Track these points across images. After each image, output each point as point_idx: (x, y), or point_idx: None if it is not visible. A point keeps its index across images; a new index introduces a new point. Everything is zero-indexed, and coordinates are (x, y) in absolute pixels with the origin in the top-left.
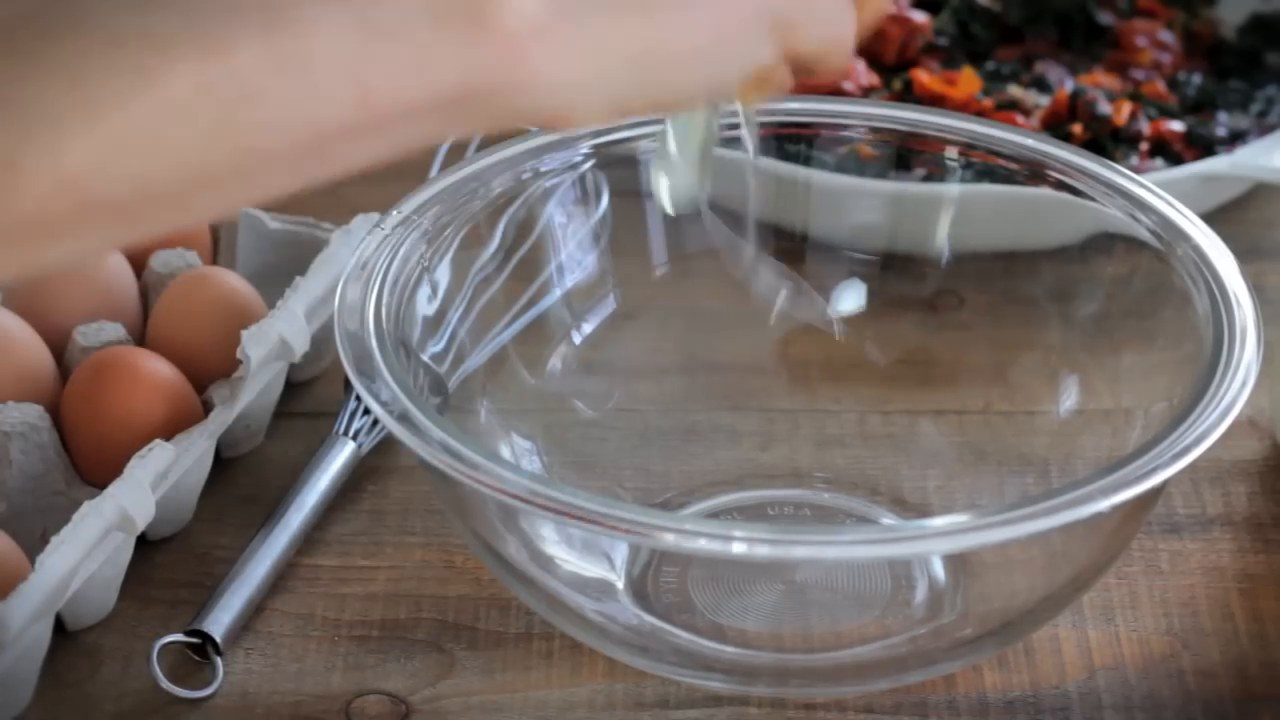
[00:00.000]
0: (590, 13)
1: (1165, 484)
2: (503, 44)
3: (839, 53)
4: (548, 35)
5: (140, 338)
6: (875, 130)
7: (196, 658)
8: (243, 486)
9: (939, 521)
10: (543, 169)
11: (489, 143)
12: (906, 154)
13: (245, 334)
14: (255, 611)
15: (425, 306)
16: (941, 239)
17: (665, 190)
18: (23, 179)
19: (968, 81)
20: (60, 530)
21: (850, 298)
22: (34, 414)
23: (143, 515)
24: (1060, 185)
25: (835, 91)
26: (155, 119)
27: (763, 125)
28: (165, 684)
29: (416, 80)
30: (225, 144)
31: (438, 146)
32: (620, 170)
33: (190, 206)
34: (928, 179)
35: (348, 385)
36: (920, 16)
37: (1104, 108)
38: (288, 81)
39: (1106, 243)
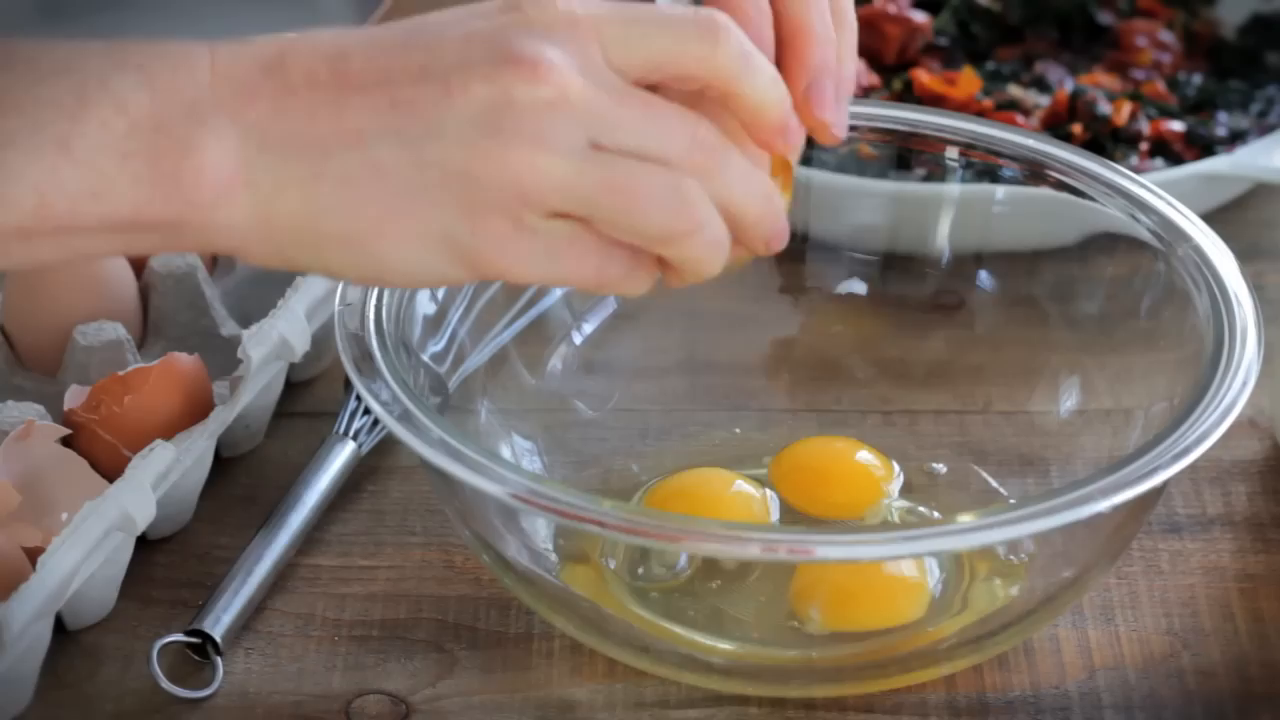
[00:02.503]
0: (278, 172)
1: (1165, 484)
2: (180, 192)
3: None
4: (225, 191)
5: (140, 338)
6: (875, 130)
7: (196, 658)
8: (243, 486)
9: (939, 521)
10: None
11: None
12: (906, 154)
13: (246, 334)
14: (255, 611)
15: (425, 306)
16: (941, 239)
17: None
18: None
19: (968, 81)
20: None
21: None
22: (35, 414)
23: (143, 515)
24: (1060, 185)
25: None
26: None
27: None
28: (165, 684)
29: (92, 205)
30: None
31: None
32: None
33: None
34: (928, 179)
35: (348, 385)
36: (920, 16)
37: (1104, 108)
38: None
39: (1106, 243)
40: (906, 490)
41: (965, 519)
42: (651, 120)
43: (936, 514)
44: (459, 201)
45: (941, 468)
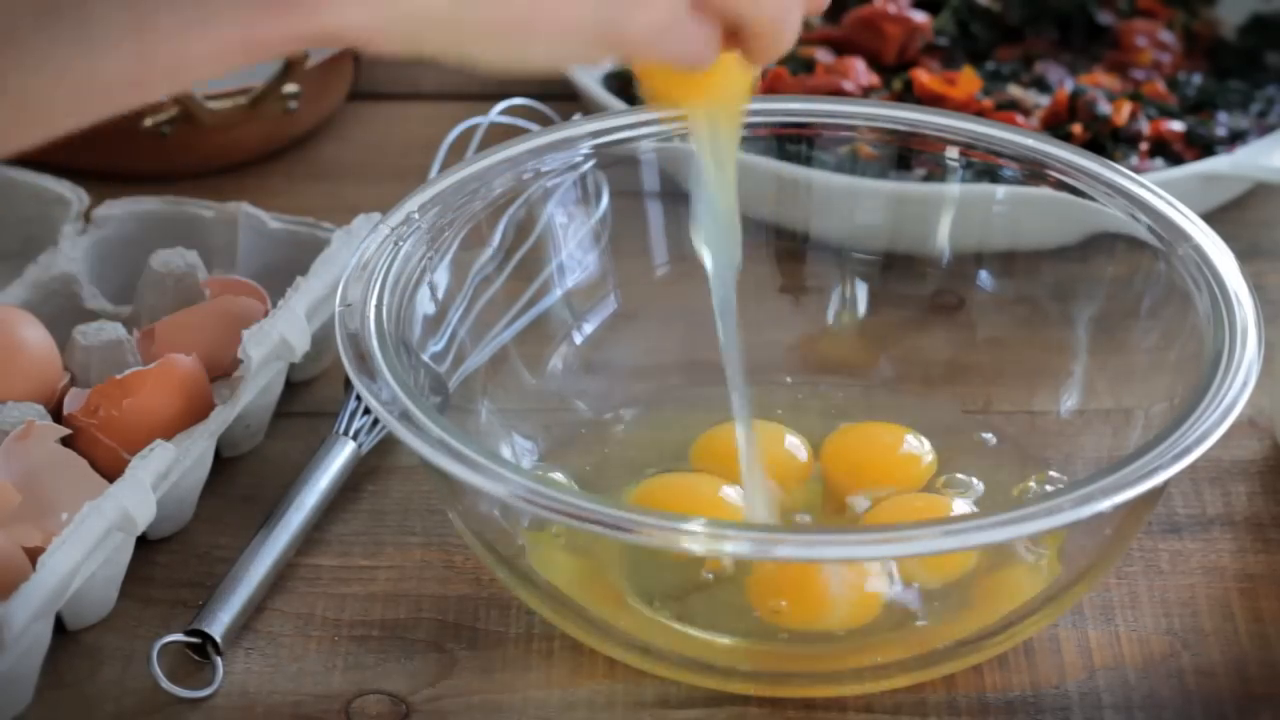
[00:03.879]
0: None
1: (1165, 484)
2: (293, 11)
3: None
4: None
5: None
6: (875, 130)
7: (196, 658)
8: (243, 486)
9: (939, 521)
10: (543, 169)
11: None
12: (906, 154)
13: (246, 334)
14: (255, 611)
15: (426, 306)
16: (941, 239)
17: (709, 259)
18: None
19: (968, 81)
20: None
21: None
22: (35, 414)
23: (143, 515)
24: (1060, 185)
25: (835, 91)
26: None
27: (763, 126)
28: (165, 684)
29: (199, 37)
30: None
31: (437, 146)
32: (620, 170)
33: None
34: (928, 179)
35: (348, 385)
36: (920, 16)
37: (1104, 108)
38: (67, 48)
39: (1106, 243)
40: None
41: (965, 519)
42: None
43: (980, 484)
44: None
45: (941, 468)
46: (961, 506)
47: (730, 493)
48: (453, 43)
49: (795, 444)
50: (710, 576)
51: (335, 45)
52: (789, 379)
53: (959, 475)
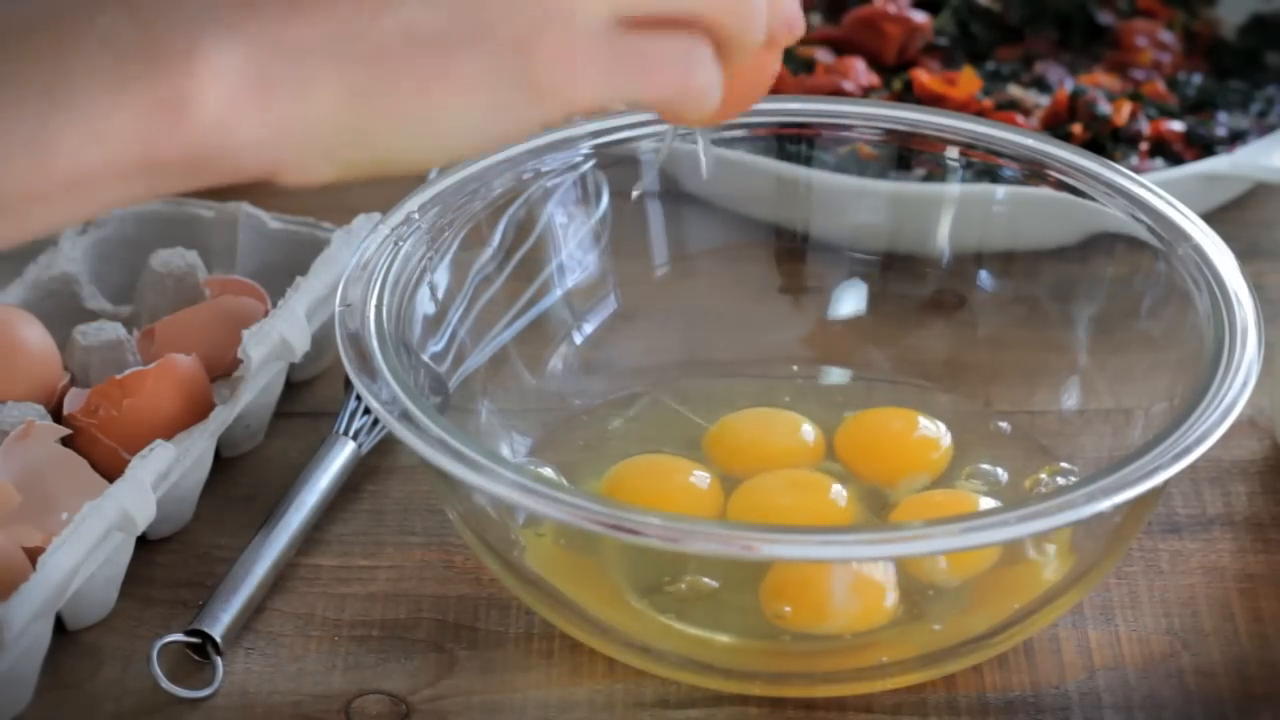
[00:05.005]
0: (298, 71)
1: (1165, 484)
2: (188, 117)
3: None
4: (239, 109)
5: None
6: (875, 130)
7: (196, 658)
8: (243, 486)
9: (939, 521)
10: (543, 169)
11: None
12: (906, 154)
13: (246, 334)
14: (255, 611)
15: (426, 306)
16: (941, 239)
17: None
18: None
19: (968, 81)
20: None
21: (850, 298)
22: (35, 414)
23: (143, 515)
24: (1060, 185)
25: (835, 91)
26: None
27: (763, 126)
28: (165, 684)
29: (95, 149)
30: None
31: None
32: (620, 170)
33: None
34: (928, 179)
35: (348, 385)
36: (920, 16)
37: (1104, 108)
38: None
39: (1106, 243)
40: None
41: (964, 518)
42: None
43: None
44: (503, 35)
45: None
46: (988, 503)
47: (701, 476)
48: (360, 147)
49: (807, 430)
50: (714, 584)
51: (239, 175)
52: (789, 378)
53: (983, 466)
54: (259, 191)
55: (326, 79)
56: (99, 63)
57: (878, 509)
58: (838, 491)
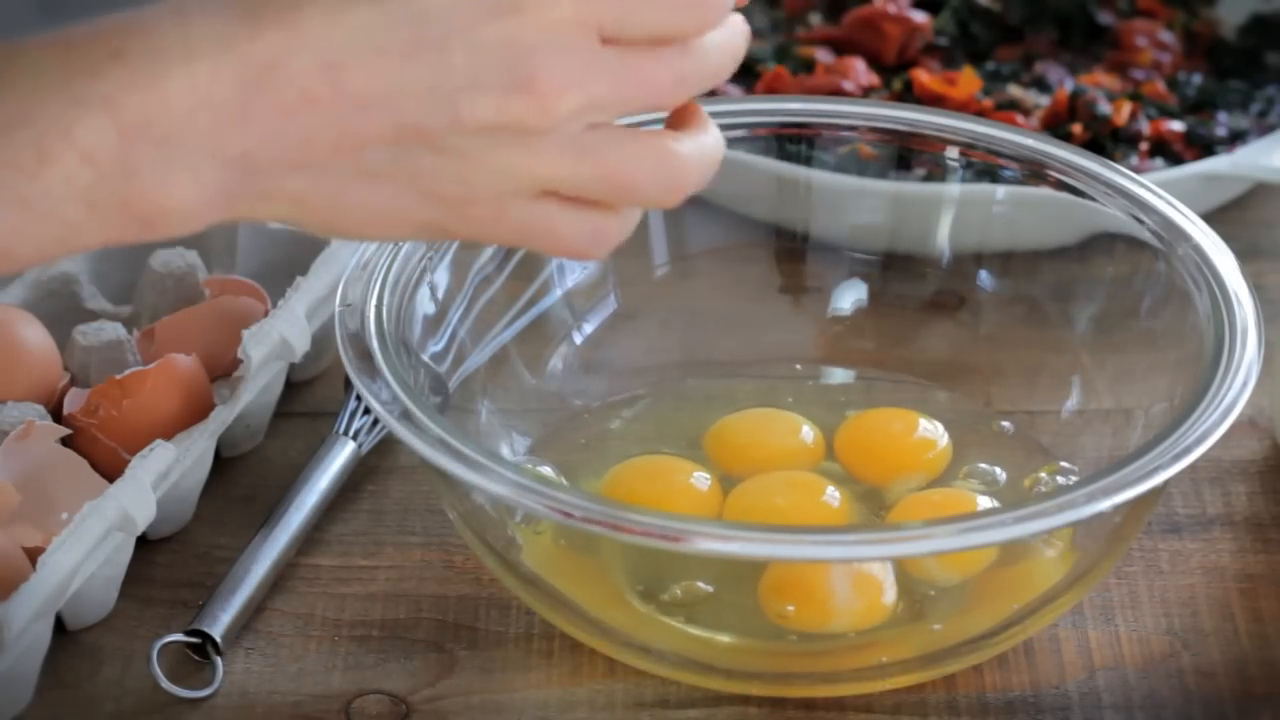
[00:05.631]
0: (262, 188)
1: (1165, 484)
2: (153, 228)
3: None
4: (201, 214)
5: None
6: (875, 130)
7: (196, 658)
8: (243, 486)
9: (939, 521)
10: None
11: None
12: (906, 154)
13: (246, 333)
14: (255, 611)
15: (426, 306)
16: (941, 239)
17: None
18: None
19: (968, 81)
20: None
21: (850, 298)
22: (35, 414)
23: (143, 515)
24: (1060, 185)
25: (835, 91)
26: None
27: (763, 126)
28: (165, 684)
29: (59, 248)
30: None
31: None
32: None
33: None
34: (928, 179)
35: (348, 385)
36: (920, 16)
37: (1104, 108)
38: None
39: (1106, 243)
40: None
41: (964, 518)
42: (639, 82)
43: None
44: (448, 199)
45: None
46: (985, 502)
47: (701, 477)
48: (285, 222)
49: (807, 431)
50: (709, 589)
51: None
52: (790, 378)
53: (981, 465)
54: None
55: (285, 196)
56: (78, 179)
57: (876, 509)
58: (833, 492)
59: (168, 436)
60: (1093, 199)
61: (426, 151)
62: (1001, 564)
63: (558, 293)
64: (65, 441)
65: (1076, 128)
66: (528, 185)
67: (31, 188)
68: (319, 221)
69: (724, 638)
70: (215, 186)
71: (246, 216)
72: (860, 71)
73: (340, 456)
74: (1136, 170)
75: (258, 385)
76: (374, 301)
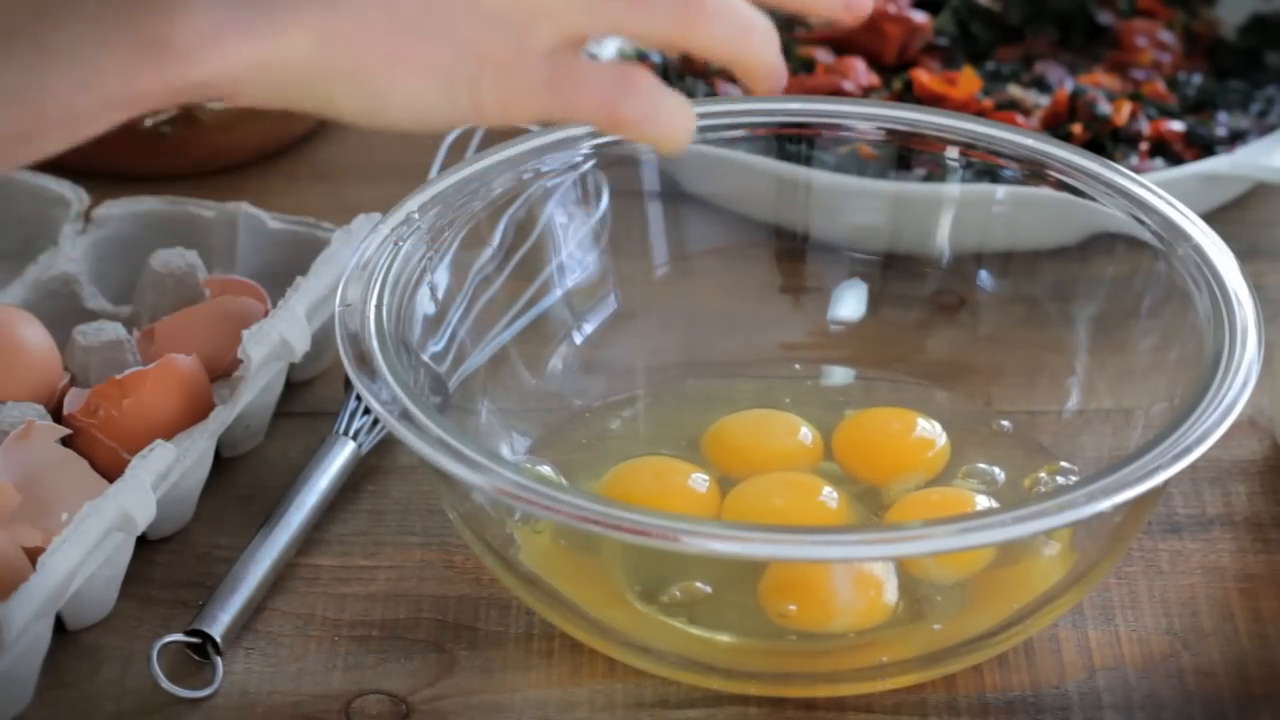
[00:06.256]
0: (275, 15)
1: (1165, 484)
2: (172, 55)
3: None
4: (218, 41)
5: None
6: (875, 130)
7: (196, 658)
8: (243, 486)
9: (939, 521)
10: (543, 169)
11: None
12: (906, 154)
13: (246, 334)
14: (255, 611)
15: (426, 306)
16: (941, 239)
17: None
18: None
19: (968, 81)
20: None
21: (850, 298)
22: (35, 414)
23: (143, 515)
24: (1060, 185)
25: (835, 91)
26: None
27: (763, 126)
28: (165, 684)
29: (85, 95)
30: None
31: (437, 146)
32: (620, 170)
33: None
34: (928, 179)
35: (348, 385)
36: (920, 16)
37: (1104, 108)
38: None
39: (1106, 243)
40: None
41: (964, 518)
42: None
43: (1001, 472)
44: (465, 34)
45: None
46: (984, 501)
47: (699, 479)
48: (313, 92)
49: (805, 432)
50: (708, 590)
51: (206, 96)
52: (790, 378)
53: (980, 465)
54: (259, 191)
55: (301, 28)
56: (84, 10)
57: (874, 509)
58: (830, 493)
59: (168, 436)
60: (1093, 199)
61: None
62: (1002, 564)
63: (558, 293)
64: (65, 441)
65: (1076, 128)
66: (543, 12)
67: (42, 26)
68: (341, 66)
69: (724, 638)
70: (229, 5)
71: (271, 57)
72: (860, 71)
73: (340, 456)
74: (1136, 170)
75: (258, 385)
76: (374, 301)
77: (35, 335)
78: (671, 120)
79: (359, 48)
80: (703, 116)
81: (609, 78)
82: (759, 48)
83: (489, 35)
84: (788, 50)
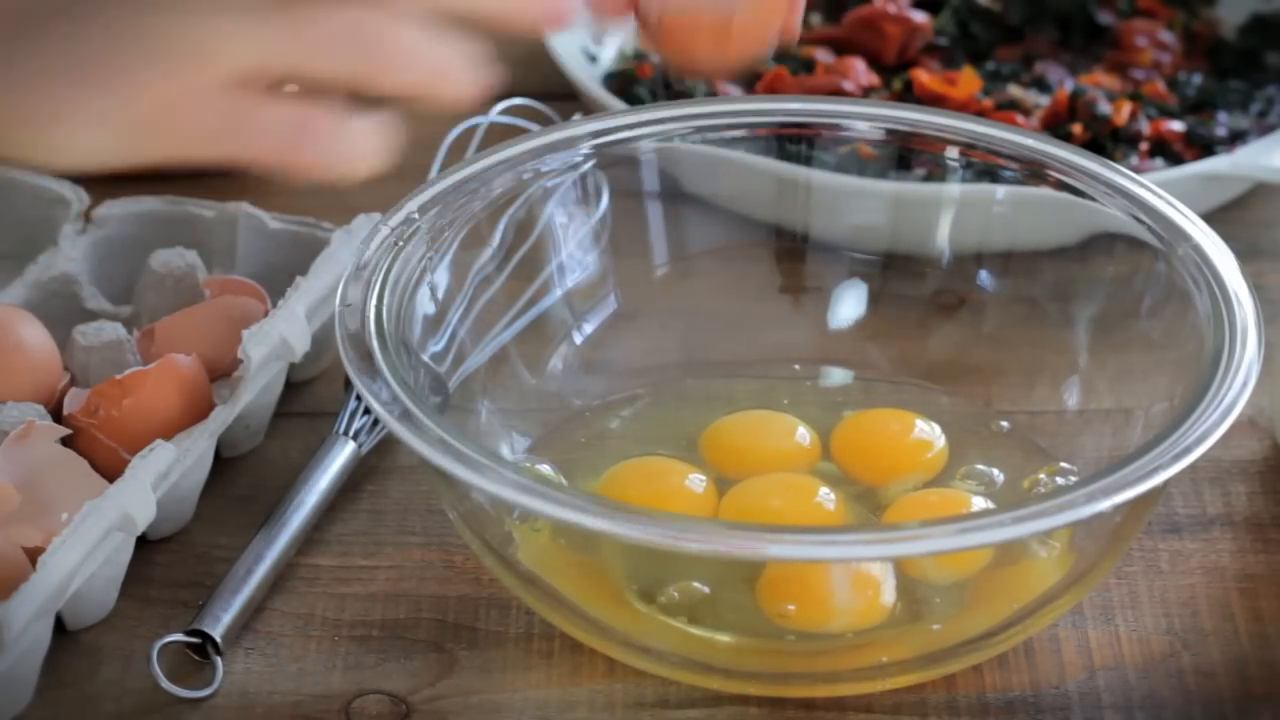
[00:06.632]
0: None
1: (1165, 484)
2: None
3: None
4: None
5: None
6: (875, 130)
7: (196, 658)
8: (243, 486)
9: (938, 521)
10: (543, 169)
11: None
12: (906, 154)
13: (246, 334)
14: (255, 611)
15: (426, 306)
16: (941, 239)
17: None
18: None
19: (968, 81)
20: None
21: (850, 298)
22: (35, 414)
23: (143, 515)
24: (1060, 185)
25: (835, 91)
26: None
27: (763, 126)
28: (165, 684)
29: None
30: None
31: (437, 146)
32: (620, 170)
33: None
34: (928, 179)
35: (348, 385)
36: (920, 16)
37: (1104, 108)
38: None
39: (1106, 243)
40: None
41: (964, 518)
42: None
43: (1000, 474)
44: (125, 76)
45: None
46: (981, 502)
47: (696, 479)
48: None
49: (802, 433)
50: (705, 590)
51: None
52: (789, 378)
53: (979, 466)
54: (259, 191)
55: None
56: None
57: (872, 510)
58: (827, 493)
59: (168, 436)
60: (1093, 199)
61: (117, 7)
62: (1001, 564)
63: (558, 293)
64: (65, 441)
65: (1076, 128)
66: (222, 55)
67: None
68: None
69: (723, 638)
70: None
71: None
72: (860, 71)
73: (340, 456)
74: (1136, 170)
75: (258, 385)
76: (374, 301)
77: (35, 335)
78: (355, 154)
79: (21, 109)
80: (703, 116)
81: (285, 121)
82: (453, 89)
83: (150, 75)
84: (788, 50)
